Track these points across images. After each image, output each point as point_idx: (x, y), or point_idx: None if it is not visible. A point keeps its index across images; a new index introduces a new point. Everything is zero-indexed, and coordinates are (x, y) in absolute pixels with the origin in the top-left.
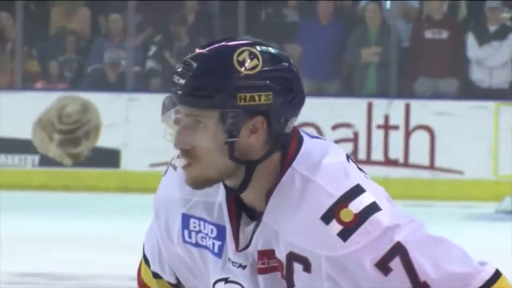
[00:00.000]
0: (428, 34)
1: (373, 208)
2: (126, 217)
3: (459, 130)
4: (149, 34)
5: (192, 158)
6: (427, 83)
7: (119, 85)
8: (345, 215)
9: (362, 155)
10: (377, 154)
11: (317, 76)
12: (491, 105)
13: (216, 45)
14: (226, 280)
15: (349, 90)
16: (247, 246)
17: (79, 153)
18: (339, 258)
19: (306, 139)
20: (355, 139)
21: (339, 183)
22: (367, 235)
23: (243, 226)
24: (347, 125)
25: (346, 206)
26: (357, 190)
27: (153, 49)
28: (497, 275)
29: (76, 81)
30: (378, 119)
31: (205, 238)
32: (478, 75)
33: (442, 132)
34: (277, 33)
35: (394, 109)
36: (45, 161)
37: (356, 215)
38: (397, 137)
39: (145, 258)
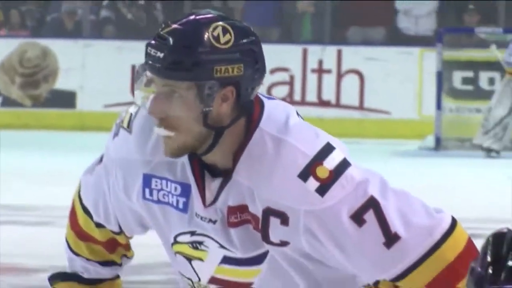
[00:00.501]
0: None
1: (344, 164)
2: (82, 153)
3: (387, 74)
4: None
5: (169, 127)
6: (357, 31)
7: (76, 33)
8: (321, 172)
9: (297, 97)
10: (312, 96)
11: (259, 24)
12: (416, 51)
13: (190, 20)
14: (192, 233)
15: (287, 37)
16: (214, 202)
17: (38, 94)
18: (317, 213)
19: (265, 101)
20: (291, 82)
21: (311, 143)
22: (343, 190)
23: (208, 184)
24: (284, 69)
25: (321, 164)
26: (328, 148)
27: None
28: (454, 223)
29: (37, 29)
30: (312, 64)
31: (167, 196)
32: (404, 24)
33: (371, 76)
34: None
35: (327, 54)
36: (8, 102)
37: (331, 171)
38: (329, 81)
39: (85, 209)
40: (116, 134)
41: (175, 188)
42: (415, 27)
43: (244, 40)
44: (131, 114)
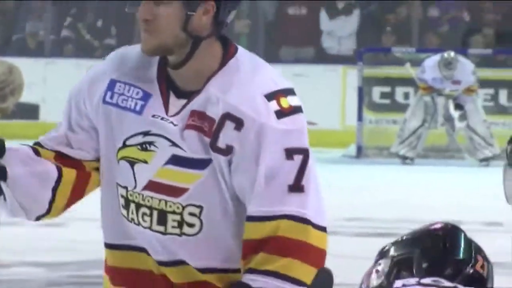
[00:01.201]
0: (290, 10)
1: (301, 109)
2: None
3: (314, 89)
4: (64, 7)
5: (152, 28)
6: (289, 50)
7: (38, 51)
8: (283, 102)
9: None
10: None
11: None
12: (339, 68)
13: None
14: (145, 133)
15: None
16: (177, 114)
17: (6, 107)
18: (266, 129)
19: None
20: None
21: (281, 80)
22: (293, 124)
23: (172, 100)
24: None
25: (285, 97)
26: (293, 91)
27: (68, 19)
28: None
29: (3, 48)
30: None
31: (126, 100)
32: (329, 44)
33: (300, 91)
34: None
35: None
36: None
37: (290, 106)
38: None
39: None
40: (91, 68)
41: (137, 93)
42: (338, 47)
43: None
44: (110, 54)
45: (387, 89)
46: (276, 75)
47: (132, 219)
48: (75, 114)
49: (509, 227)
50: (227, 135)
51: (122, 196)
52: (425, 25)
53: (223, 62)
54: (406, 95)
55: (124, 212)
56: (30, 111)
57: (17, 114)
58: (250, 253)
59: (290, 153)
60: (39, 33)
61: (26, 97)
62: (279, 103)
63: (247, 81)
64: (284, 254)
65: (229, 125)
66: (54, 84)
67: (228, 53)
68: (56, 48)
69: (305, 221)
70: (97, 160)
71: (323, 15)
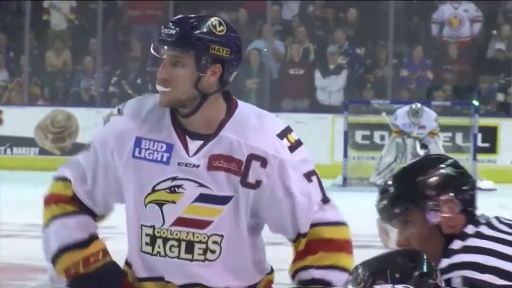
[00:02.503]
0: (291, 71)
1: (301, 141)
2: None
3: (309, 133)
4: (111, 68)
5: (169, 86)
6: (289, 102)
7: (91, 103)
8: (291, 138)
9: None
10: None
11: None
12: (329, 116)
13: (196, 15)
14: (173, 179)
15: None
16: (196, 153)
17: (65, 146)
18: (286, 162)
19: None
20: None
21: (279, 120)
22: (302, 154)
23: (190, 143)
24: None
25: (290, 133)
26: (291, 128)
27: (114, 78)
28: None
29: (63, 100)
30: None
31: (153, 153)
32: (321, 97)
33: (298, 134)
34: None
35: None
36: (42, 151)
37: (296, 140)
38: None
39: (65, 179)
40: (106, 122)
41: (161, 147)
42: (329, 100)
43: (233, 34)
44: (119, 108)
45: (367, 132)
46: (274, 117)
47: (158, 252)
48: (102, 166)
49: None
50: (255, 172)
51: (147, 234)
52: (397, 82)
53: (230, 112)
54: (382, 137)
55: (148, 249)
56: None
57: (73, 151)
58: (306, 253)
59: (308, 176)
60: (92, 88)
61: (81, 138)
62: (288, 140)
63: (259, 126)
64: (335, 250)
65: (255, 164)
66: None
67: (231, 105)
68: (104, 100)
69: (340, 223)
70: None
71: (317, 74)
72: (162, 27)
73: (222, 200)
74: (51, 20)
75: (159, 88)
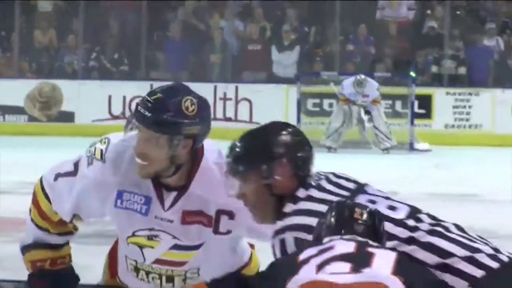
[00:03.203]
0: (250, 47)
1: None
2: (73, 150)
3: (266, 101)
4: (91, 45)
5: (146, 159)
6: (249, 74)
7: (73, 76)
8: None
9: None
10: (219, 114)
11: (179, 69)
12: (284, 87)
13: (170, 91)
14: (150, 229)
15: (201, 78)
16: (170, 207)
17: (51, 114)
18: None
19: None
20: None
21: None
22: None
23: (166, 196)
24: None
25: None
26: None
27: (94, 54)
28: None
29: (49, 73)
30: (220, 95)
31: (133, 204)
32: (277, 70)
33: (257, 102)
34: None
35: (230, 89)
36: (31, 119)
37: None
38: (230, 105)
39: (46, 197)
40: (90, 164)
41: (140, 199)
42: (284, 71)
43: (203, 110)
44: (101, 149)
45: (317, 100)
46: None
47: (142, 279)
48: (84, 208)
49: (402, 195)
50: (225, 224)
51: (131, 264)
52: (344, 56)
53: (197, 163)
54: (330, 105)
55: (133, 274)
56: (67, 116)
57: (59, 118)
58: None
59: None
60: (74, 63)
61: (65, 106)
62: None
63: (222, 180)
64: None
65: (224, 218)
66: (85, 98)
67: (198, 153)
68: (85, 73)
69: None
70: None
71: (273, 50)
72: (138, 103)
73: (195, 247)
74: (38, 4)
75: (137, 160)
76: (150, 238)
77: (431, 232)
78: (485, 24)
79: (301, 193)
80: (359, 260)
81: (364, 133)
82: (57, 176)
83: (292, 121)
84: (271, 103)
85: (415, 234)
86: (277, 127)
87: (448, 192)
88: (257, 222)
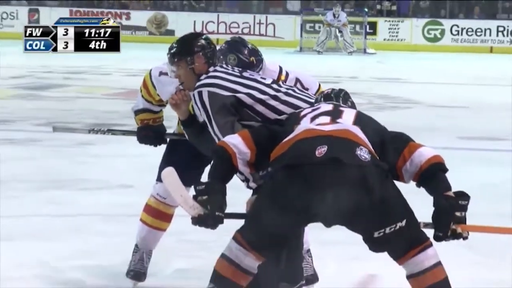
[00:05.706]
0: None
1: None
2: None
3: (283, 25)
4: None
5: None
6: (273, 10)
7: (174, 8)
8: None
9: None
10: (257, 32)
11: (231, 5)
12: (293, 17)
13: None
14: None
15: (245, 11)
16: None
17: (161, 30)
18: None
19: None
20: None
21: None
22: None
23: None
24: None
25: None
26: None
27: None
28: None
29: (160, 6)
30: (257, 21)
31: None
32: (289, 6)
33: (278, 25)
34: None
35: (262, 17)
36: (151, 33)
37: None
38: (263, 27)
39: (154, 85)
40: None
41: None
42: (293, 7)
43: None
44: None
45: (312, 24)
46: None
47: None
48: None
49: (360, 78)
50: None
51: None
52: (328, 2)
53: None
54: (319, 27)
55: None
56: (170, 32)
57: (165, 33)
58: None
59: None
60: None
61: (169, 26)
62: None
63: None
64: None
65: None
66: (180, 23)
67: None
68: (179, 7)
69: None
70: None
71: None
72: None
73: None
74: None
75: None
76: None
77: (286, 94)
78: None
79: (211, 70)
80: (335, 115)
81: (338, 43)
82: (160, 73)
83: (297, 37)
84: (286, 26)
85: (278, 94)
86: (197, 35)
87: (384, 76)
88: (188, 91)
